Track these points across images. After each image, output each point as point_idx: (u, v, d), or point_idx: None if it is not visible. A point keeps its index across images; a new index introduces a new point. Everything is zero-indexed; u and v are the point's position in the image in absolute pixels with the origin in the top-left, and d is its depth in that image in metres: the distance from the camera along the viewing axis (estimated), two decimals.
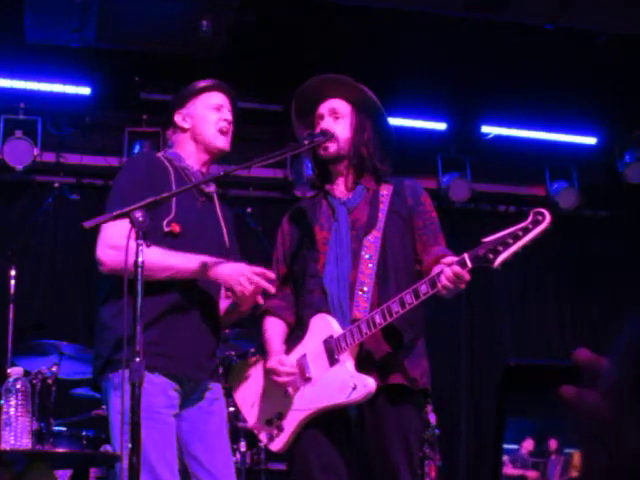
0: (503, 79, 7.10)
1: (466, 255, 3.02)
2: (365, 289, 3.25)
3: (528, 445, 1.26)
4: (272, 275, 3.24)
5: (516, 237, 2.97)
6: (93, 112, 7.22)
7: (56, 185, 7.08)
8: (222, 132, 3.50)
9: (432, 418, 5.64)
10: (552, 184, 8.16)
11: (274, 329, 3.48)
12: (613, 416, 0.96)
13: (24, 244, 6.74)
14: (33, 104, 7.02)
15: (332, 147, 3.41)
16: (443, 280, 3.01)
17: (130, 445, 2.69)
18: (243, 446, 5.22)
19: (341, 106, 3.46)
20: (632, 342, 0.99)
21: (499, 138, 7.91)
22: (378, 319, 3.14)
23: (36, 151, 6.96)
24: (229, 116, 3.53)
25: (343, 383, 3.18)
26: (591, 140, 8.09)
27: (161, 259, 3.17)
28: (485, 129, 7.87)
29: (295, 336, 3.42)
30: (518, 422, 1.21)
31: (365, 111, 3.46)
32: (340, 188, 3.47)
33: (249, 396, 3.53)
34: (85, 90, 7.00)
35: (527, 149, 7.94)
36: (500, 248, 2.97)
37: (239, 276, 3.19)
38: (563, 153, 8.07)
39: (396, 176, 3.51)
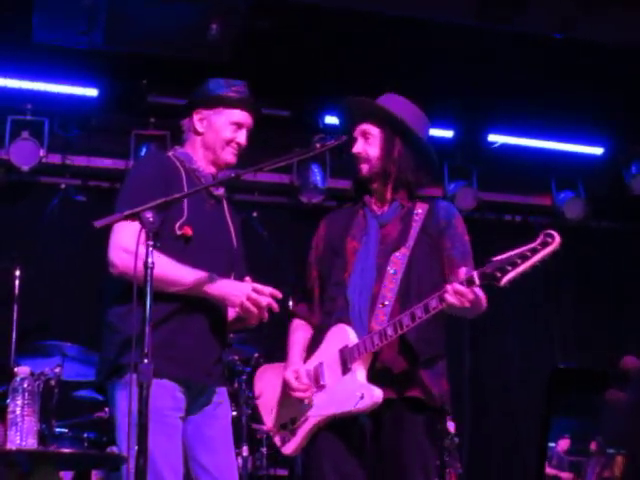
0: (510, 88, 7.09)
1: (475, 273, 3.07)
2: (386, 303, 3.31)
3: (564, 444, 1.25)
4: (279, 294, 3.25)
5: (524, 257, 3.02)
6: (100, 114, 7.22)
7: (62, 186, 7.10)
8: (231, 148, 3.48)
9: (451, 426, 5.65)
10: (558, 194, 8.15)
11: (298, 335, 3.55)
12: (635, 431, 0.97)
13: (29, 245, 6.74)
14: (40, 105, 7.02)
15: (364, 168, 3.52)
16: (447, 297, 3.07)
17: (137, 447, 2.68)
18: (245, 451, 5.21)
19: (370, 128, 3.53)
20: None
21: (506, 147, 7.90)
22: (390, 331, 3.20)
23: (42, 152, 6.95)
24: (243, 139, 3.49)
25: (352, 392, 3.23)
26: (598, 151, 8.09)
27: (172, 273, 3.16)
28: (492, 138, 7.86)
29: (315, 342, 3.47)
30: (557, 421, 1.21)
31: (392, 128, 3.50)
32: (376, 202, 3.54)
33: (269, 400, 3.57)
34: (92, 92, 7.00)
35: (534, 159, 7.92)
36: (508, 268, 3.02)
37: (242, 296, 3.18)
38: (570, 163, 8.06)
39: (434, 197, 3.61)
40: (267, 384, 3.62)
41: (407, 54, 6.66)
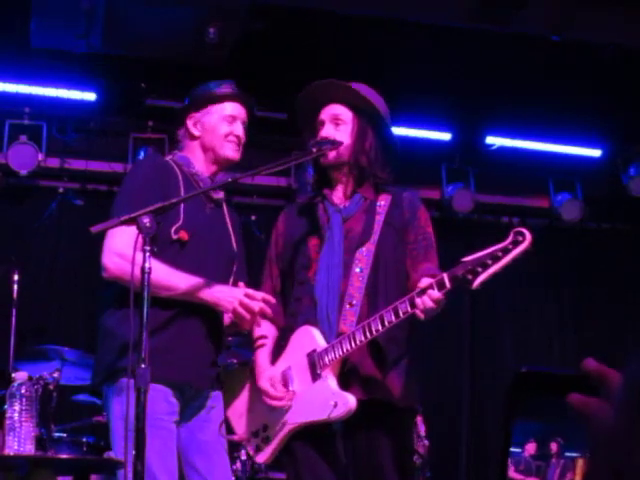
0: (508, 90, 7.09)
1: (445, 276, 2.95)
2: (354, 302, 3.21)
3: (531, 448, 1.26)
4: (272, 299, 3.23)
5: (495, 258, 2.90)
6: (98, 118, 7.21)
7: (60, 190, 7.10)
8: (230, 142, 3.47)
9: (422, 429, 5.60)
10: (556, 196, 8.14)
11: (264, 336, 3.42)
12: (621, 431, 0.97)
13: (27, 248, 6.74)
14: (38, 109, 7.01)
15: (331, 154, 3.34)
16: (419, 304, 2.96)
17: (134, 452, 2.67)
18: (244, 454, 5.19)
19: (343, 112, 3.39)
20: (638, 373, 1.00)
21: (503, 149, 7.89)
22: (359, 336, 3.10)
23: (41, 156, 6.94)
24: (240, 131, 3.48)
25: (324, 400, 3.15)
26: (595, 152, 8.07)
27: (164, 279, 3.14)
28: (489, 140, 7.86)
29: (281, 344, 3.39)
30: (523, 425, 1.21)
31: (367, 118, 3.39)
32: (338, 194, 3.42)
33: (237, 407, 3.51)
34: (90, 96, 6.99)
35: (531, 160, 7.92)
36: (479, 269, 2.90)
37: (234, 302, 3.17)
38: (567, 165, 8.05)
39: (396, 186, 3.45)
40: (233, 390, 3.54)
41: (403, 56, 6.66)
